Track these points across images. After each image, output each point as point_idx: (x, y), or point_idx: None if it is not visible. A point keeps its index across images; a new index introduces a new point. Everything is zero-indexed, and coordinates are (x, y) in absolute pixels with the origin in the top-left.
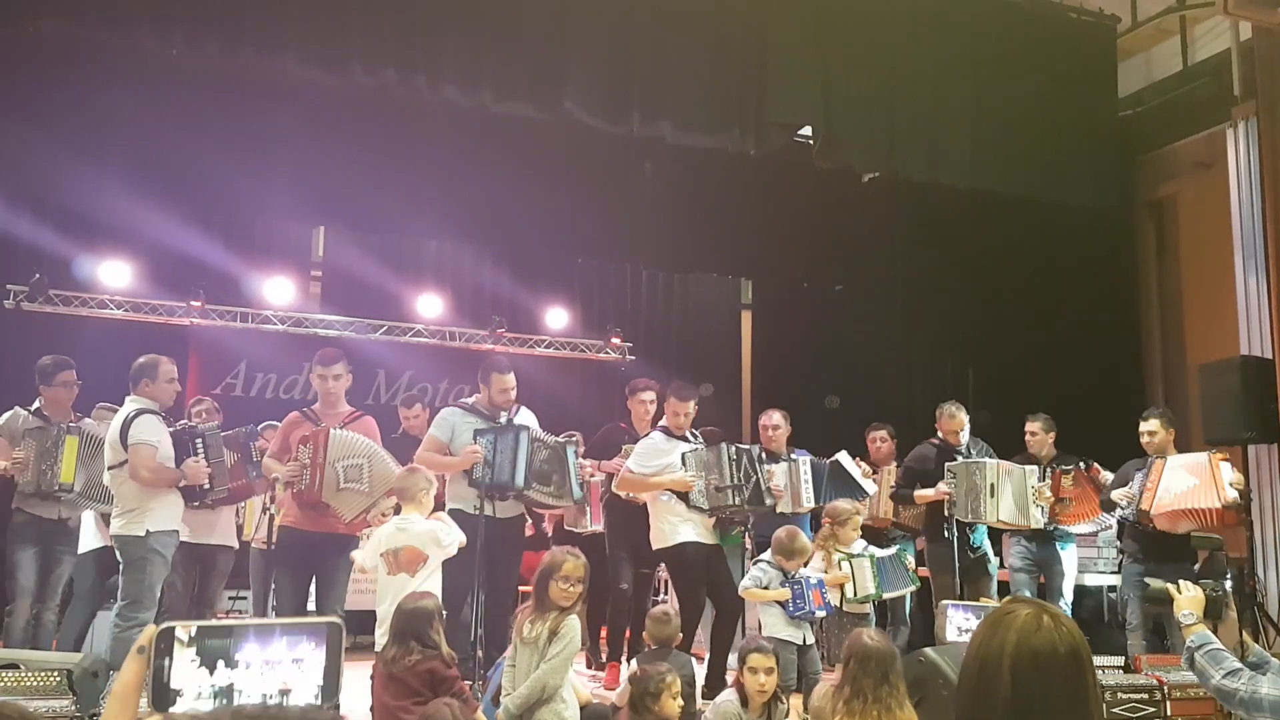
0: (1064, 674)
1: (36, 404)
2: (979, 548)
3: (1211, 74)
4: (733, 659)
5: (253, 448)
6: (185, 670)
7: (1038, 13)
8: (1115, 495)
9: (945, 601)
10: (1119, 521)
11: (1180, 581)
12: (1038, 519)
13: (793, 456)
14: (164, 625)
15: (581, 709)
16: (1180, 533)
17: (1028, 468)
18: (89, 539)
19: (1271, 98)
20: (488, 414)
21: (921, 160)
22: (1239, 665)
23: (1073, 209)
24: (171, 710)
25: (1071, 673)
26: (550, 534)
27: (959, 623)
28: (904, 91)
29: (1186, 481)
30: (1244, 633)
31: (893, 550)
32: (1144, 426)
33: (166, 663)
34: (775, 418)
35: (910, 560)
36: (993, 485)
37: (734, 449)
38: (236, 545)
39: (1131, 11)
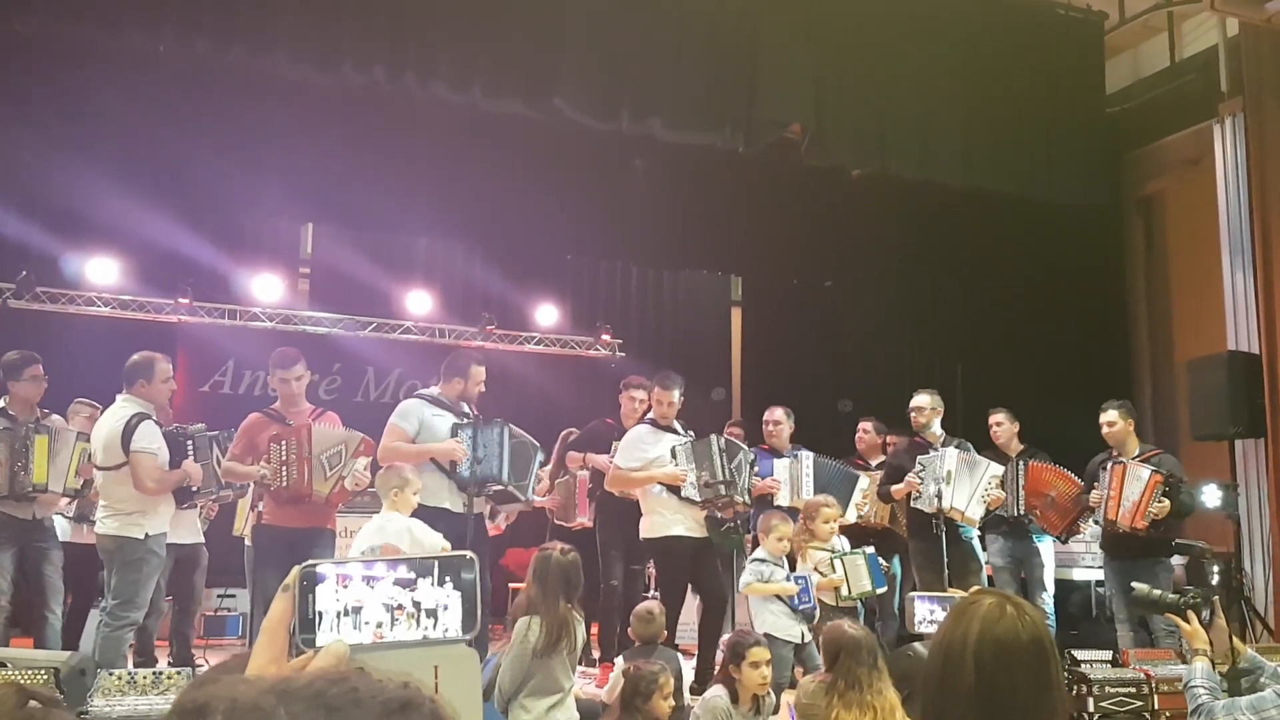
0: (1027, 662)
1: (1, 402)
2: (966, 539)
3: (1199, 70)
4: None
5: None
6: (327, 592)
7: (1026, 9)
8: (1092, 499)
9: (912, 593)
10: (1093, 521)
11: (1188, 613)
12: (975, 514)
13: (795, 453)
14: (307, 564)
15: None
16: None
17: (992, 465)
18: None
19: (1258, 94)
20: (453, 407)
21: (911, 158)
22: (1203, 701)
23: (1061, 206)
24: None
25: (1035, 660)
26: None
27: (924, 614)
28: (894, 89)
29: (1132, 496)
30: (1234, 638)
31: (870, 549)
32: (1103, 418)
33: (310, 598)
34: (778, 414)
35: (883, 563)
36: (949, 473)
37: (723, 440)
38: (203, 540)
39: (1119, 8)
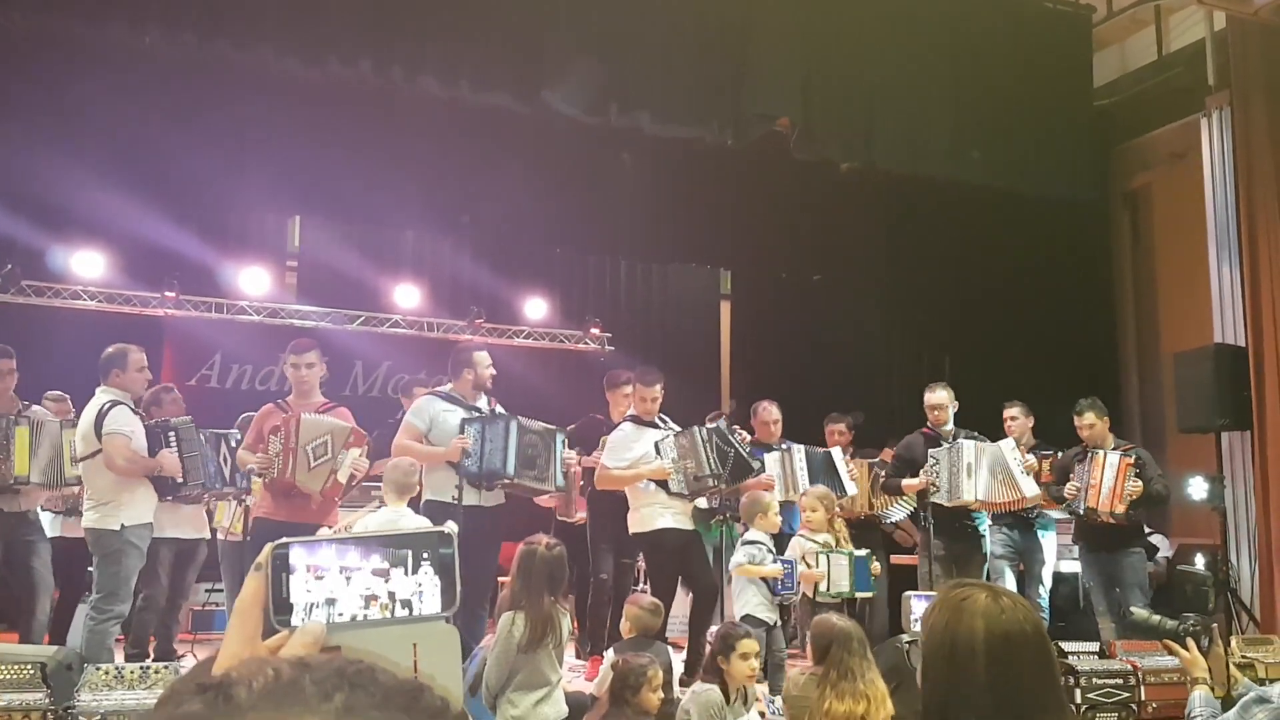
0: (1033, 652)
1: None
2: (976, 530)
3: (1186, 64)
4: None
5: (224, 450)
6: (300, 584)
7: (1014, 2)
8: (1067, 491)
9: (908, 592)
10: (1071, 514)
11: (1188, 641)
12: (1032, 487)
13: (784, 446)
14: (279, 543)
15: None
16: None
17: (1003, 441)
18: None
19: (1245, 87)
20: (466, 402)
21: (900, 151)
22: None
23: (1049, 199)
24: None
25: (1039, 650)
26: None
27: (920, 612)
28: (882, 83)
29: (1108, 482)
30: (1231, 666)
31: (864, 552)
32: (1082, 421)
33: (284, 577)
34: (775, 411)
35: (876, 567)
36: (969, 465)
37: (705, 430)
38: (209, 536)
39: (1106, 1)
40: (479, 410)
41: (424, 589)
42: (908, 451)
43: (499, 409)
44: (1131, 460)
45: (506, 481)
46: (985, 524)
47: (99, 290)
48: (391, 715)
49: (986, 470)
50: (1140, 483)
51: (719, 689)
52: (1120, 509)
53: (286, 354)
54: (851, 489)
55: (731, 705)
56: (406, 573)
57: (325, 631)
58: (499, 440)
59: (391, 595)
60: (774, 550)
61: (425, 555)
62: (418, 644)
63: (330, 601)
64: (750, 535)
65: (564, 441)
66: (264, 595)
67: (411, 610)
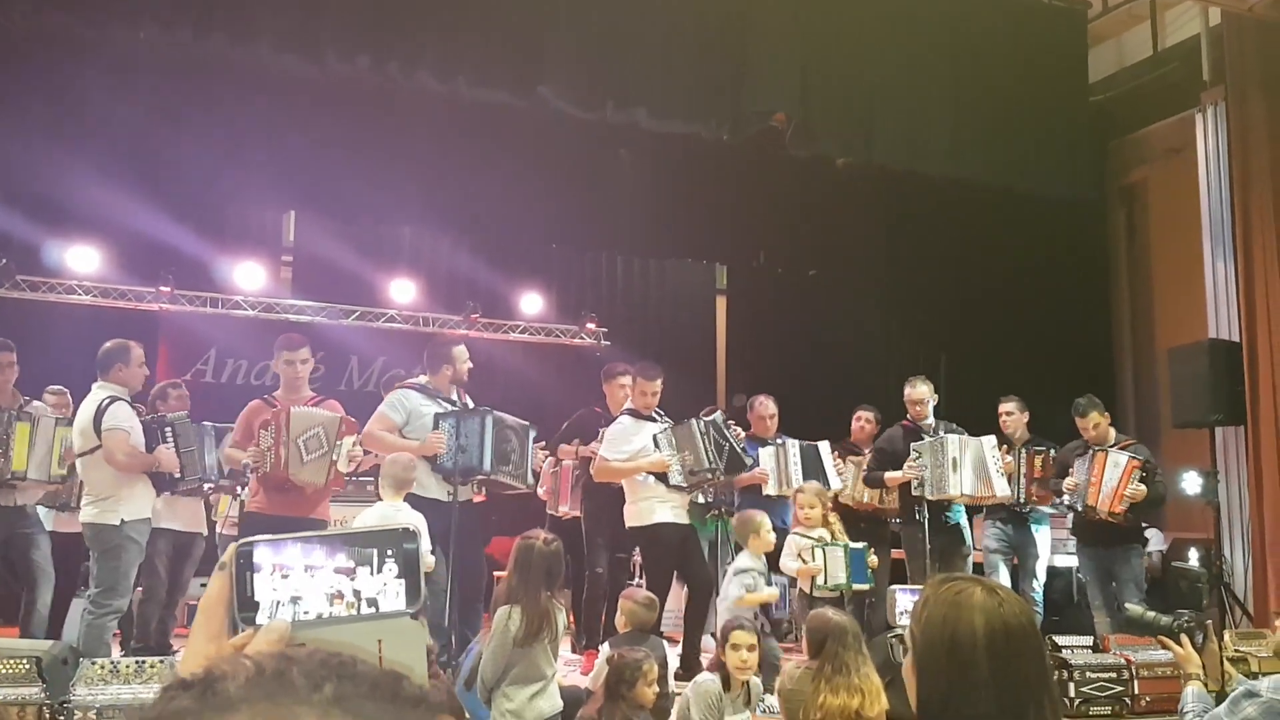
0: (1031, 645)
1: None
2: (955, 524)
3: (1181, 59)
4: (707, 640)
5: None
6: (264, 583)
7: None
8: (1065, 485)
9: (893, 586)
10: (1068, 509)
11: (1182, 637)
12: (1004, 487)
13: (779, 440)
14: (243, 541)
15: None
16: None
17: (984, 438)
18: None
19: (1240, 83)
20: (442, 396)
21: (895, 147)
22: None
23: (1047, 197)
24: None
25: (1036, 643)
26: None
27: (906, 606)
28: (879, 79)
29: (1110, 481)
30: (1225, 662)
31: (860, 545)
32: (1086, 422)
33: (248, 576)
34: (771, 406)
35: (874, 559)
36: (954, 459)
37: (702, 423)
38: (206, 531)
39: None
40: (453, 404)
41: (388, 586)
42: (889, 445)
43: (469, 401)
44: (1139, 462)
45: (483, 477)
46: (962, 517)
47: (94, 285)
48: (380, 704)
49: (970, 465)
50: (1144, 487)
51: (719, 680)
52: (1119, 509)
53: (278, 350)
54: (836, 483)
55: (733, 700)
56: (372, 571)
57: (290, 629)
58: (474, 435)
59: (357, 593)
60: (766, 573)
61: (390, 552)
62: (383, 640)
63: (295, 599)
64: (741, 563)
65: (534, 436)
66: (228, 594)
67: (377, 607)
